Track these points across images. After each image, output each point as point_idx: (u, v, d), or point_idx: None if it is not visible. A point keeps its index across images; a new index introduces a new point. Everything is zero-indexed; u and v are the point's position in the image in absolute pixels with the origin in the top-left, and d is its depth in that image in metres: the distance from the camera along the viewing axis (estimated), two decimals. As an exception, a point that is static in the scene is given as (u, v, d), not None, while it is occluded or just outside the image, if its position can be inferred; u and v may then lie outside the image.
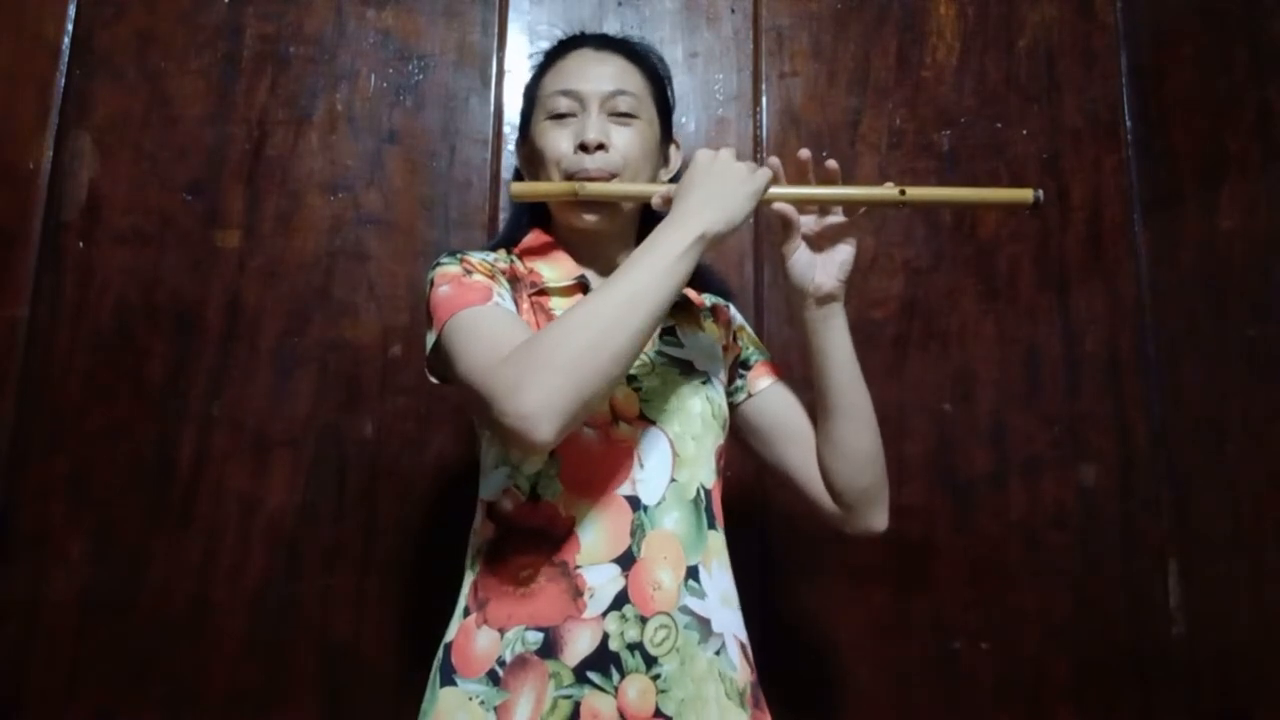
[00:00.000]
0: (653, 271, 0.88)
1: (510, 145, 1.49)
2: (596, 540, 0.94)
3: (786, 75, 1.57)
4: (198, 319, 1.39)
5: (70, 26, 1.44)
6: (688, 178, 0.95)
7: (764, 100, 1.56)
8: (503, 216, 1.46)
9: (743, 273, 1.49)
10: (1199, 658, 1.43)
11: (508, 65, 1.53)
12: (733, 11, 1.59)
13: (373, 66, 1.49)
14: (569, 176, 1.02)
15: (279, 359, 1.39)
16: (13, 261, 1.36)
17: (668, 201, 0.96)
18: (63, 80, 1.42)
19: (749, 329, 1.18)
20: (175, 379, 1.37)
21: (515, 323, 0.93)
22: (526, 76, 1.50)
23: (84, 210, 1.40)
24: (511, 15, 1.54)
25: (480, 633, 0.94)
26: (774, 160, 1.00)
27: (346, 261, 1.43)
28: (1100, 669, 1.43)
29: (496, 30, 1.53)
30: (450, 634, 0.97)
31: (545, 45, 1.51)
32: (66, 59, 1.43)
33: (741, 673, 0.97)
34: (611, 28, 1.52)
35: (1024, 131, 1.58)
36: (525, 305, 1.00)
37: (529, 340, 0.85)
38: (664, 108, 1.11)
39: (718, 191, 0.93)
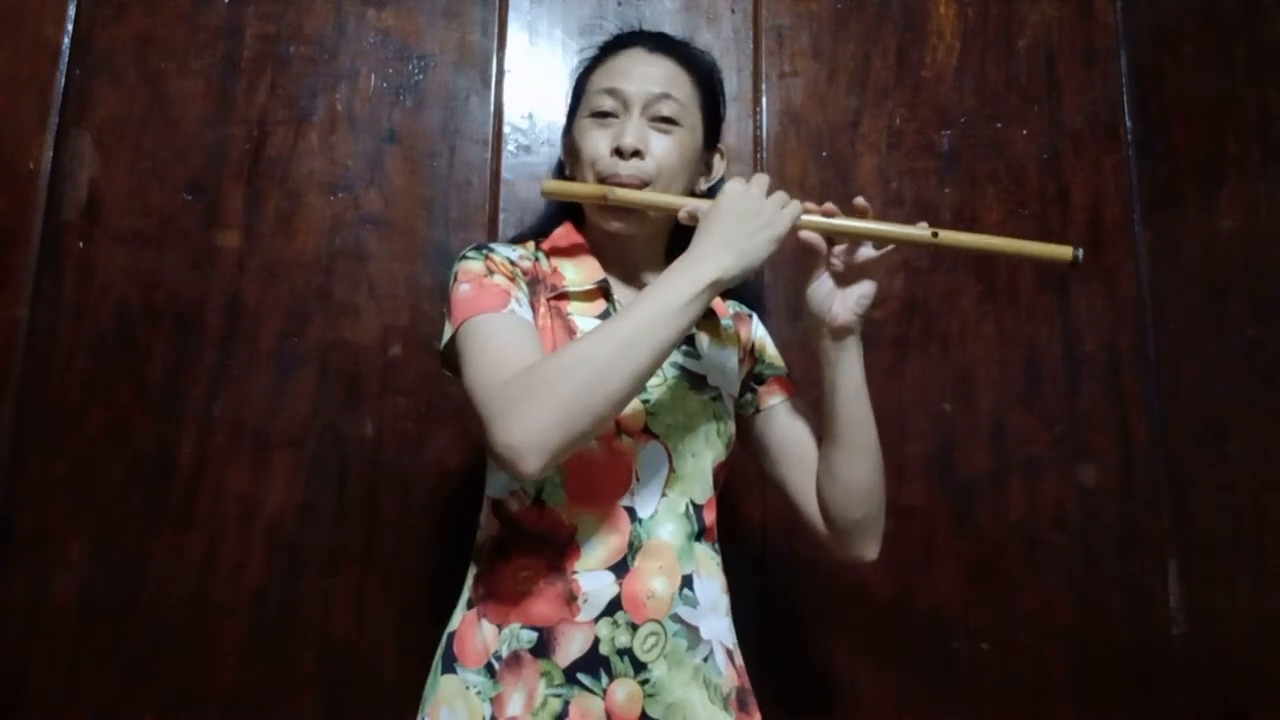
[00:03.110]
0: (659, 315, 0.88)
1: (510, 145, 1.49)
2: (595, 549, 0.96)
3: (786, 75, 1.57)
4: (198, 319, 1.39)
5: (70, 27, 1.44)
6: (713, 212, 0.94)
7: (764, 100, 1.56)
8: (503, 217, 1.46)
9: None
10: (1199, 658, 1.43)
11: (508, 65, 1.53)
12: (733, 11, 1.59)
13: (373, 66, 1.49)
14: (602, 179, 1.02)
15: (279, 359, 1.39)
16: (13, 261, 1.36)
17: (693, 217, 0.97)
18: (63, 80, 1.42)
19: (769, 341, 1.18)
20: (175, 379, 1.37)
21: (526, 334, 0.94)
22: (527, 76, 1.52)
23: (84, 210, 1.40)
24: (511, 15, 1.54)
25: (480, 625, 0.97)
26: (809, 206, 0.99)
27: (346, 261, 1.43)
28: (1100, 669, 1.43)
29: (496, 30, 1.53)
30: (453, 623, 1.00)
31: (546, 45, 1.53)
32: (66, 59, 1.43)
33: (728, 678, 1.00)
34: (610, 28, 1.52)
35: (1024, 131, 1.58)
36: (542, 309, 1.01)
37: (528, 369, 0.86)
38: (711, 116, 1.10)
39: (739, 234, 0.92)
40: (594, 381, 0.84)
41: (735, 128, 1.55)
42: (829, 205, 0.98)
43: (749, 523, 1.41)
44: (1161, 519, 1.48)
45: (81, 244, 1.39)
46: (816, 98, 1.57)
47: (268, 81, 1.47)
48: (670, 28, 1.56)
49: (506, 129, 1.50)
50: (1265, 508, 1.38)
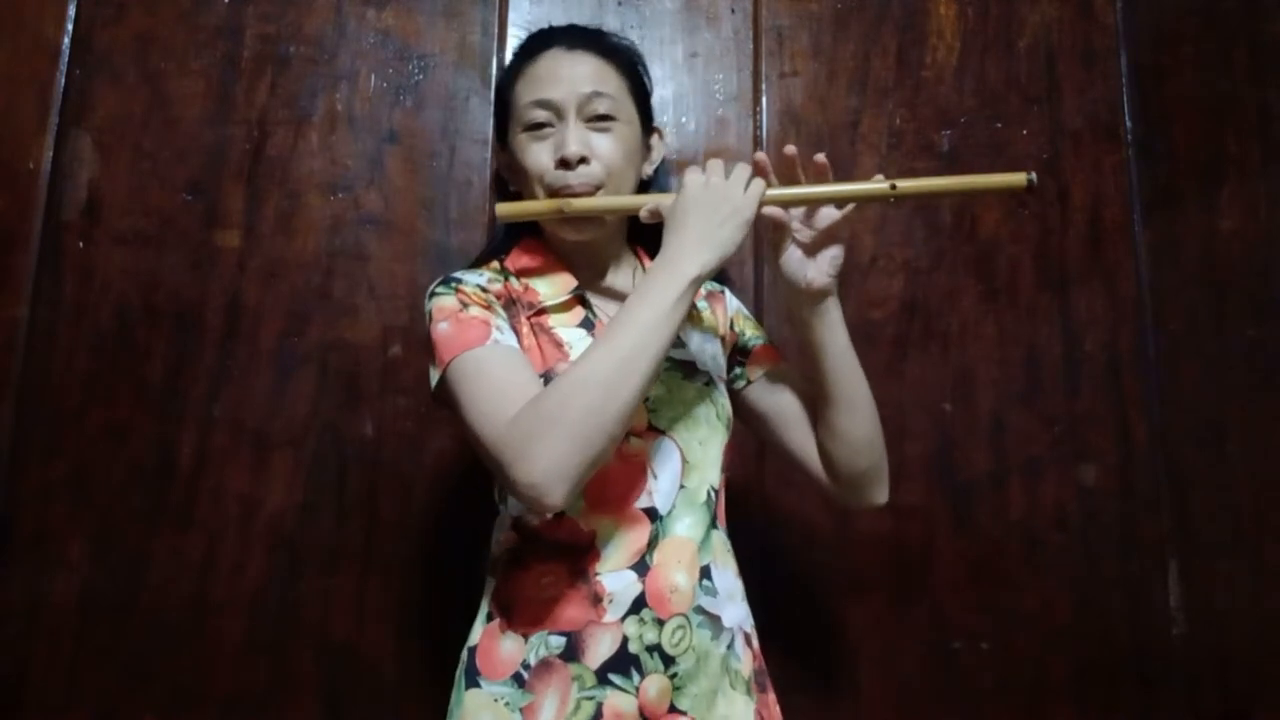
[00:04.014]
0: (650, 323, 0.88)
1: (510, 145, 1.49)
2: (615, 551, 0.97)
3: (786, 75, 1.57)
4: (198, 319, 1.39)
5: (70, 27, 1.44)
6: (679, 208, 0.93)
7: (764, 100, 1.56)
8: (503, 217, 1.46)
9: (743, 273, 1.49)
10: (1199, 658, 1.43)
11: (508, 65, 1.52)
12: (733, 11, 1.59)
13: (373, 66, 1.49)
14: (553, 192, 1.01)
15: (279, 359, 1.39)
16: (13, 261, 1.36)
17: (655, 215, 0.96)
18: (63, 80, 1.42)
19: (745, 313, 1.18)
20: (175, 379, 1.37)
21: (517, 362, 0.93)
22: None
23: (84, 210, 1.40)
24: (511, 15, 1.54)
25: (504, 637, 0.96)
26: (760, 156, 0.98)
27: (346, 261, 1.43)
28: (1100, 669, 1.43)
29: (496, 30, 1.53)
30: (473, 638, 0.99)
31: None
32: (66, 59, 1.43)
33: (746, 662, 1.02)
34: (611, 27, 1.52)
35: (1024, 131, 1.58)
36: (525, 329, 1.00)
37: (533, 403, 0.86)
38: (642, 100, 1.09)
39: (710, 225, 0.91)
40: (601, 402, 0.84)
41: (735, 128, 1.55)
42: (789, 148, 0.98)
43: (748, 521, 1.41)
44: (1161, 519, 1.48)
45: (81, 244, 1.39)
46: (816, 98, 1.57)
47: (268, 81, 1.47)
48: (670, 28, 1.57)
49: (506, 129, 1.50)
50: (1265, 508, 1.38)
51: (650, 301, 0.89)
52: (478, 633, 0.99)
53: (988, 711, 1.41)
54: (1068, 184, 1.58)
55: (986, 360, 1.51)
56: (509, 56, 1.52)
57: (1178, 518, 1.48)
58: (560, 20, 1.53)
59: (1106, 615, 1.45)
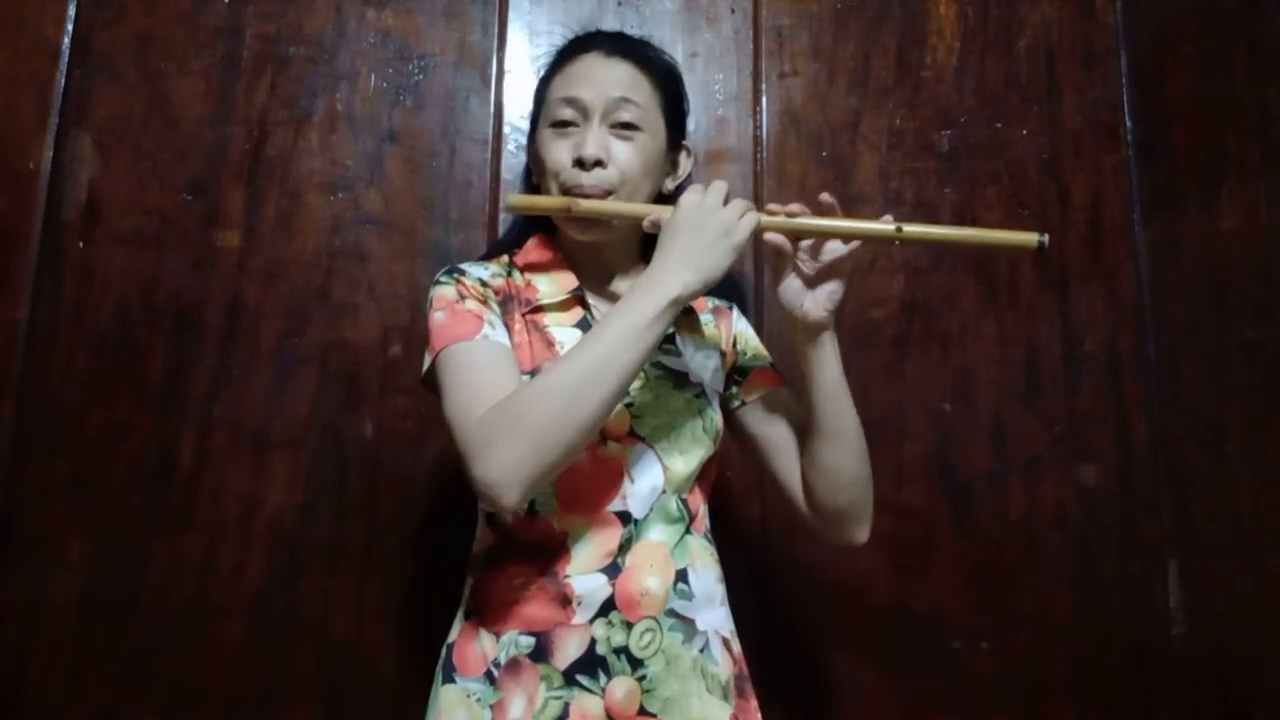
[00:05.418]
0: (621, 339, 0.88)
1: (510, 145, 1.49)
2: (586, 553, 0.97)
3: (786, 75, 1.57)
4: (198, 319, 1.39)
5: (70, 27, 1.44)
6: (670, 225, 0.94)
7: (764, 100, 1.56)
8: (503, 217, 1.46)
9: (743, 272, 1.49)
10: (1199, 658, 1.43)
11: (508, 65, 1.53)
12: (733, 11, 1.59)
13: (373, 66, 1.49)
14: (566, 190, 1.02)
15: (279, 359, 1.39)
16: (13, 262, 1.36)
17: (656, 226, 0.97)
18: (63, 81, 1.42)
19: (750, 333, 1.18)
20: (175, 379, 1.37)
21: (501, 359, 0.95)
22: (527, 76, 1.52)
23: (84, 210, 1.40)
24: (511, 15, 1.54)
25: (479, 635, 0.98)
26: (772, 208, 0.99)
27: (346, 261, 1.43)
28: (1100, 669, 1.43)
29: (496, 30, 1.53)
30: (452, 634, 1.01)
31: (545, 45, 1.53)
32: (66, 59, 1.43)
33: (724, 667, 1.01)
34: (610, 28, 1.52)
35: (1024, 131, 1.58)
36: (518, 325, 1.01)
37: (501, 405, 0.87)
38: (673, 116, 1.10)
39: (698, 246, 0.92)
40: (564, 411, 0.85)
41: (735, 128, 1.55)
42: (794, 206, 0.98)
43: (749, 523, 1.41)
44: (1161, 519, 1.48)
45: (81, 244, 1.39)
46: (816, 98, 1.57)
47: (268, 81, 1.47)
48: (670, 28, 1.57)
49: (506, 129, 1.50)
50: (1265, 508, 1.38)
51: (626, 316, 0.89)
52: (456, 630, 1.01)
53: (988, 711, 1.41)
54: (1068, 184, 1.58)
55: (986, 360, 1.51)
56: (509, 56, 1.53)
57: (1178, 518, 1.48)
58: (560, 20, 1.54)
59: (1106, 615, 1.45)
